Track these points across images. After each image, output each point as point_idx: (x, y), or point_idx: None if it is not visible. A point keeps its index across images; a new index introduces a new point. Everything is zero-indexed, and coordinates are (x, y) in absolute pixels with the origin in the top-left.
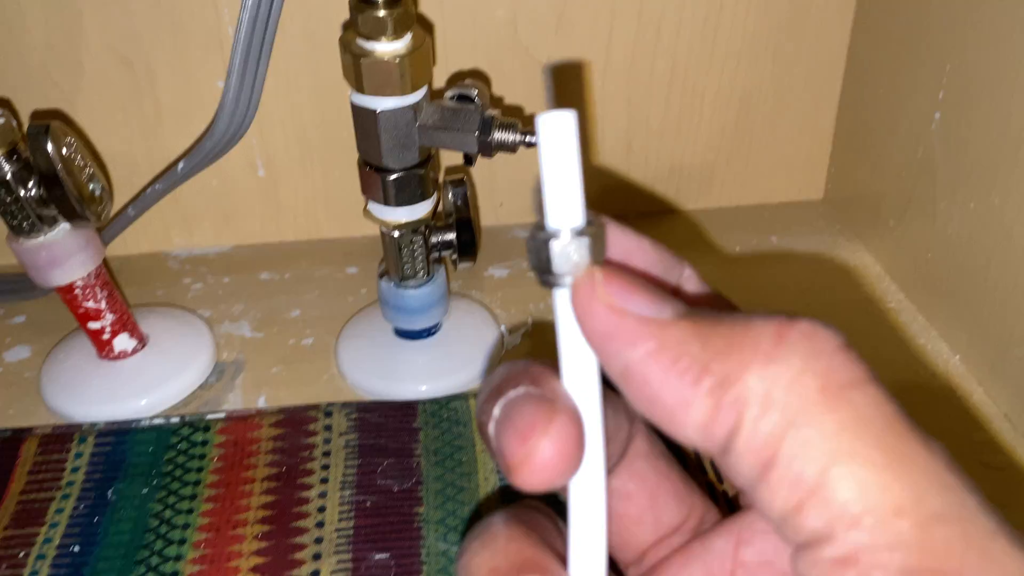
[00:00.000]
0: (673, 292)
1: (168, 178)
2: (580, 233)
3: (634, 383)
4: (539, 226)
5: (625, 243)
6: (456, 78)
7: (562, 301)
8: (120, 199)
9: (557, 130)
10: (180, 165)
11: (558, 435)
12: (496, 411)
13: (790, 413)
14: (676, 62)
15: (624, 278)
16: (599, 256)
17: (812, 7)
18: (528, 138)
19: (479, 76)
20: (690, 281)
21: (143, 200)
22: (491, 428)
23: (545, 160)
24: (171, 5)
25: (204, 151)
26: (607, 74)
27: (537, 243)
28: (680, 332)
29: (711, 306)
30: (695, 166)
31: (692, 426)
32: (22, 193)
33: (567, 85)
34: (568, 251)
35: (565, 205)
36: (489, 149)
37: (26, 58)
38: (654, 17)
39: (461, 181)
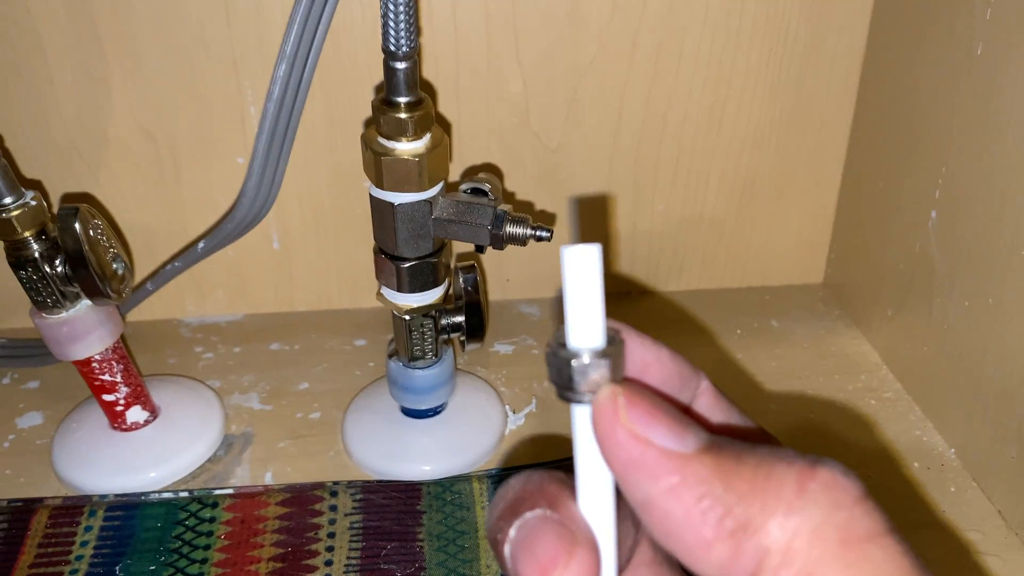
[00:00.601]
0: (687, 409)
1: (187, 256)
2: (601, 355)
3: (655, 515)
4: (560, 342)
5: (643, 355)
6: (471, 171)
7: (580, 419)
8: (138, 268)
9: (581, 263)
10: (200, 244)
11: (579, 569)
12: (512, 532)
13: (810, 565)
14: (681, 149)
15: (647, 403)
16: (618, 375)
17: (815, 101)
18: (538, 232)
19: (492, 170)
20: (706, 393)
21: (162, 276)
22: (506, 549)
23: (569, 289)
24: (196, 82)
25: (224, 232)
26: (615, 158)
27: (558, 360)
28: (703, 469)
29: (727, 425)
30: (698, 247)
31: (711, 565)
32: (48, 270)
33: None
34: (588, 371)
35: (587, 329)
36: (500, 242)
37: (54, 130)
38: (661, 107)
39: (472, 267)
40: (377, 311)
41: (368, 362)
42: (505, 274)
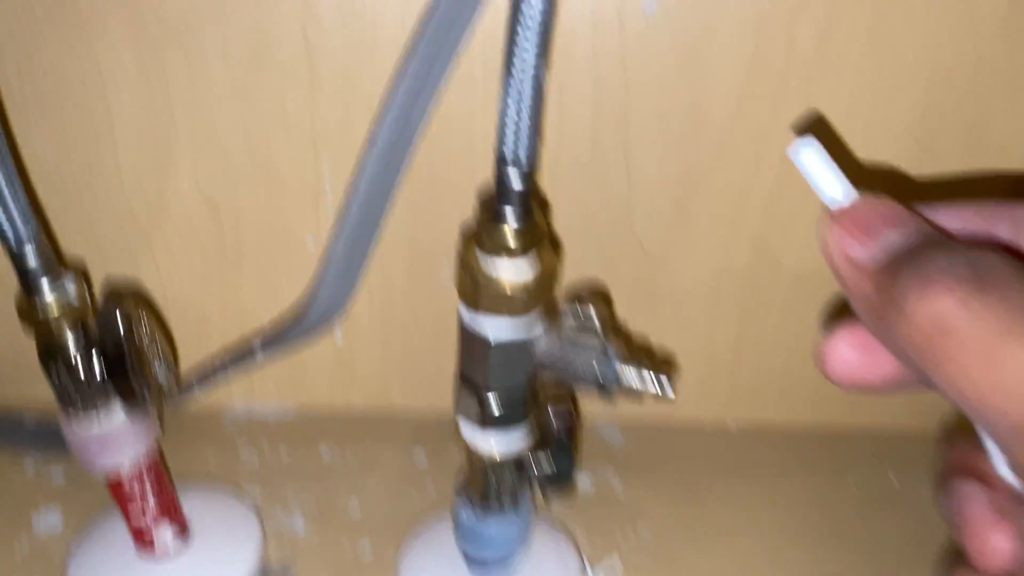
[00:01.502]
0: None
1: (242, 360)
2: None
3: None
4: None
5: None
6: (573, 294)
7: None
8: (188, 353)
9: (809, 151)
10: (260, 350)
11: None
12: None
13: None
14: (800, 270)
15: (859, 216)
16: None
17: None
18: (661, 388)
19: (598, 295)
20: None
21: (211, 378)
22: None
23: (814, 180)
24: (269, 151)
25: (288, 338)
26: (724, 274)
27: None
28: (866, 283)
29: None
30: (809, 378)
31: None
32: (82, 372)
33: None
34: None
35: (839, 194)
36: (610, 395)
37: (112, 192)
38: (782, 222)
39: (567, 401)
40: (439, 417)
41: (427, 482)
42: None
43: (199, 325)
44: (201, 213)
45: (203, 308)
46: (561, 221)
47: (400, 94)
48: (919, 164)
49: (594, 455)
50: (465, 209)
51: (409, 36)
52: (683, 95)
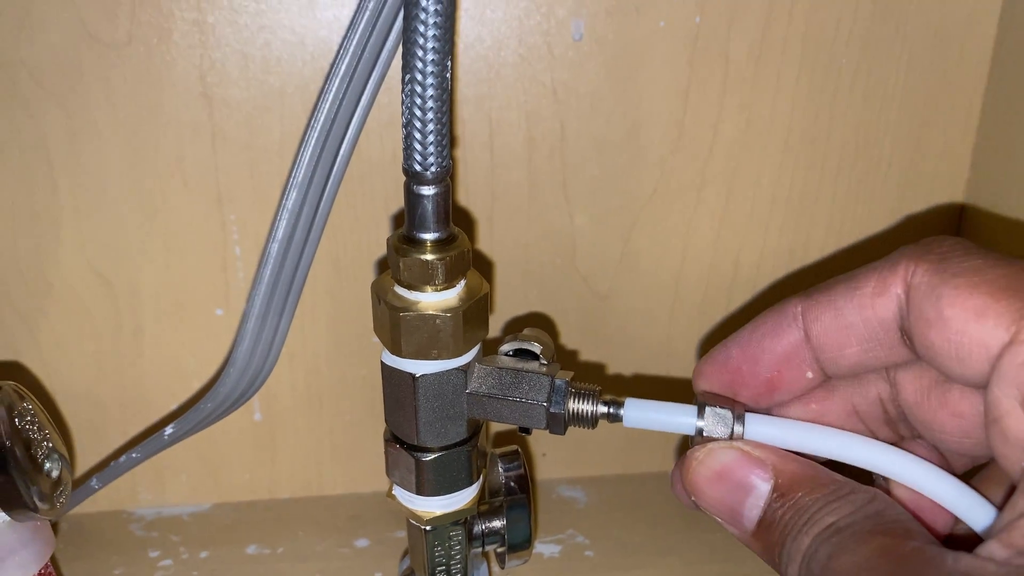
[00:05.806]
0: None
1: (148, 445)
2: None
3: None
4: None
5: None
6: (513, 326)
7: None
8: (82, 450)
9: (633, 412)
10: (167, 431)
11: None
12: None
13: None
14: (755, 300)
15: (711, 496)
16: None
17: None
18: (612, 410)
19: (537, 322)
20: None
21: (113, 470)
22: None
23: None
24: (167, 215)
25: (201, 414)
26: (676, 308)
27: None
28: (756, 547)
29: None
30: None
31: None
32: None
33: None
34: None
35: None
36: (561, 424)
37: None
38: (731, 249)
39: (516, 455)
40: (380, 497)
41: (374, 572)
42: (541, 448)
43: (95, 419)
44: (91, 290)
45: (99, 399)
46: (500, 260)
47: (315, 140)
48: (859, 175)
49: (559, 519)
50: None
51: (321, 78)
52: (619, 121)
